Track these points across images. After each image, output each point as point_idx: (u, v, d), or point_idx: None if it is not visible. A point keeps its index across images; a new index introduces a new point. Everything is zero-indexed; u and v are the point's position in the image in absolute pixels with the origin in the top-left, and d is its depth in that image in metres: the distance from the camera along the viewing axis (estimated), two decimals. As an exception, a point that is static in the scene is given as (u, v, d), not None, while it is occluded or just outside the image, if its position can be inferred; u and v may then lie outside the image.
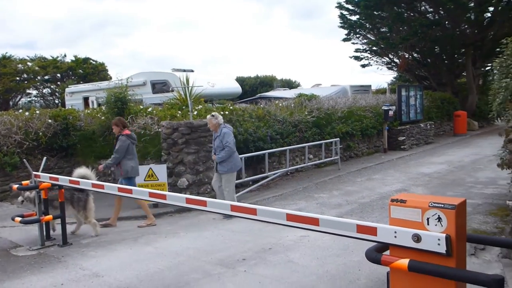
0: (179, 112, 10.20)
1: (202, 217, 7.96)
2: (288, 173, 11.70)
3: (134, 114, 10.64)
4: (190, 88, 10.66)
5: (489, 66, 22.88)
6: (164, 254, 6.01)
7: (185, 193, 8.61)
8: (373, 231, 2.55)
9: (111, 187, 5.04)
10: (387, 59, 25.31)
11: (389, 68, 26.42)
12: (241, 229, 7.04)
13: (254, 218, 3.23)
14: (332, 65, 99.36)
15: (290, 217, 2.97)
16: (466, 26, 22.02)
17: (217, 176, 8.06)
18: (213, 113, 8.03)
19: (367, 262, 4.44)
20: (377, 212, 7.70)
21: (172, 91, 12.42)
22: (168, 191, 8.45)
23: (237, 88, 20.99)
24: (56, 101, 32.57)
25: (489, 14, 21.07)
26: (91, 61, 34.28)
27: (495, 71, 7.49)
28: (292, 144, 11.59)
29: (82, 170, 7.22)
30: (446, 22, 21.68)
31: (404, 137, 16.25)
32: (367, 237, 2.59)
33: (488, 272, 4.21)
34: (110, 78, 29.45)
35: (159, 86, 17.93)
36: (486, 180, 9.97)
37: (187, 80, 10.97)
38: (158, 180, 8.51)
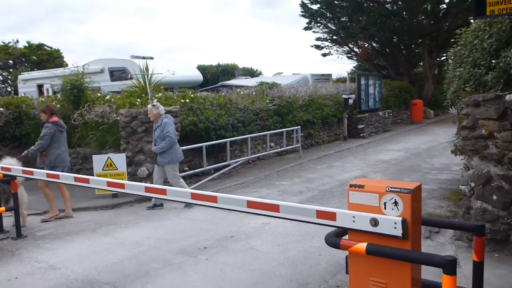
0: (138, 100, 9.98)
1: (163, 206, 7.85)
2: (250, 161, 11.72)
3: (91, 102, 10.33)
4: (149, 75, 10.44)
5: (444, 56, 23.62)
6: (124, 244, 5.89)
7: (145, 183, 8.47)
8: (332, 216, 2.58)
9: (66, 177, 4.88)
10: (347, 48, 25.70)
11: (349, 58, 26.85)
12: (203, 217, 7.00)
13: (215, 206, 3.20)
14: (294, 54, 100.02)
15: (250, 204, 2.96)
16: (422, 17, 22.63)
17: (157, 168, 7.85)
18: (154, 103, 7.87)
19: (328, 248, 4.50)
20: (337, 198, 7.84)
21: (131, 78, 12.14)
22: (128, 181, 8.30)
23: (198, 76, 20.77)
24: (9, 89, 31.12)
25: (444, 6, 21.73)
26: (45, 47, 32.88)
27: (449, 61, 7.71)
28: (253, 132, 11.60)
29: (8, 161, 6.82)
30: (404, 13, 22.20)
31: (363, 125, 16.60)
32: (327, 223, 2.62)
33: (442, 254, 4.37)
34: (66, 65, 28.35)
35: (118, 73, 17.49)
36: (440, 166, 10.34)
37: (147, 68, 10.73)
38: (117, 169, 8.32)
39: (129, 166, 8.78)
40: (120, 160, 8.38)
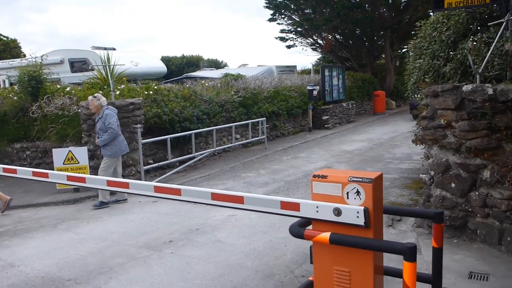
0: (100, 92, 9.72)
1: (127, 200, 7.71)
2: (215, 153, 11.67)
3: (50, 94, 9.99)
4: (111, 67, 10.18)
5: (405, 48, 24.17)
6: (87, 240, 5.76)
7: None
8: (296, 207, 2.58)
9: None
10: (312, 40, 25.87)
11: (313, 49, 27.05)
12: (168, 211, 6.92)
13: (178, 198, 3.15)
14: (259, 45, 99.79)
15: (215, 196, 2.93)
16: (384, 9, 23.04)
17: None
18: (95, 94, 7.69)
19: (293, 238, 4.53)
20: (302, 189, 7.92)
21: (93, 70, 11.79)
22: (90, 175, 8.10)
23: (162, 67, 20.46)
24: (-38, 81, 29.68)
25: (405, -1, 22.19)
26: (1, 37, 31.52)
27: (410, 53, 7.88)
28: (219, 124, 11.53)
29: None
30: (366, 5, 22.53)
31: (328, 116, 16.80)
32: (291, 213, 2.62)
33: (404, 241, 4.49)
34: (24, 56, 27.29)
35: (79, 64, 16.99)
36: (402, 156, 10.60)
37: (108, 59, 10.45)
38: (78, 163, 8.10)
39: (91, 159, 8.56)
40: (81, 153, 8.16)
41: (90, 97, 7.62)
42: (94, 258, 5.11)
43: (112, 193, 7.44)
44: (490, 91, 4.59)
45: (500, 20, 4.97)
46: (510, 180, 4.65)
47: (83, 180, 3.88)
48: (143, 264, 4.86)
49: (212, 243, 5.41)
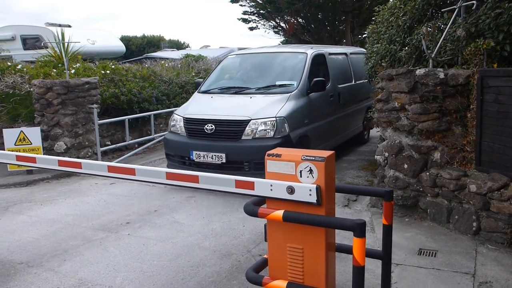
0: (54, 70, 9.37)
1: (83, 182, 7.53)
2: (176, 135, 11.52)
3: (0, 71, 9.52)
4: (66, 44, 9.80)
5: (365, 33, 24.53)
6: (40, 223, 5.60)
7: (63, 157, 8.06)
8: (250, 185, 2.61)
9: None
10: (274, 23, 25.79)
11: (276, 32, 26.97)
12: (126, 193, 6.82)
13: (133, 178, 3.11)
14: (222, 27, 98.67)
15: (170, 175, 2.91)
16: (346, -6, 23.20)
17: None
18: None
19: (251, 219, 4.57)
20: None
21: (46, 47, 11.33)
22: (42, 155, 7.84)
23: (120, 47, 19.95)
24: None
25: (366, -16, 22.42)
26: None
27: (370, 38, 8.00)
28: (179, 105, 11.31)
29: None
30: (329, -11, 22.61)
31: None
32: (246, 192, 2.64)
33: (357, 220, 4.63)
34: (-28, 31, 25.86)
35: (31, 41, 16.30)
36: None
37: (63, 36, 10.06)
38: (31, 144, 7.81)
39: (45, 140, 8.27)
40: (34, 134, 7.86)
41: None
42: (48, 241, 4.98)
43: None
44: (442, 75, 4.74)
45: (453, 7, 5.11)
46: (459, 161, 4.85)
47: (33, 160, 3.76)
48: (99, 246, 4.78)
49: (170, 224, 5.39)
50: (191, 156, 6.58)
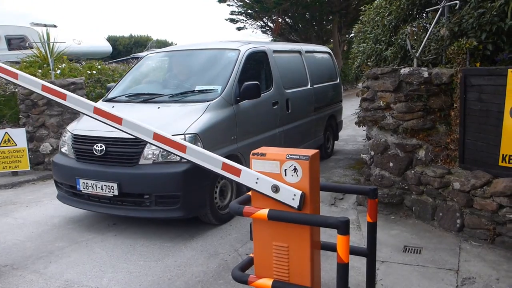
0: (40, 71, 9.28)
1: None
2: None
3: (-16, 72, 9.39)
4: (52, 44, 9.71)
5: (352, 33, 24.69)
6: (25, 225, 5.55)
7: (49, 159, 8.00)
8: (237, 172, 2.62)
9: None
10: (262, 23, 25.86)
11: (263, 32, 27.07)
12: (113, 193, 6.77)
13: (118, 127, 3.02)
14: (210, 26, 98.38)
15: (156, 136, 2.91)
16: (333, -6, 23.34)
17: None
18: None
19: (239, 218, 4.58)
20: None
21: (31, 47, 11.20)
22: (29, 158, 7.78)
23: (107, 47, 19.82)
24: None
25: (353, -16, 22.58)
26: None
27: (357, 37, 8.07)
28: (166, 105, 11.32)
29: None
30: (316, -11, 22.73)
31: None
32: (229, 176, 2.66)
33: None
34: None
35: (16, 42, 16.13)
36: (347, 138, 10.91)
37: (48, 36, 9.95)
38: (16, 145, 7.73)
39: (30, 141, 8.19)
40: (19, 135, 7.78)
41: None
42: (33, 243, 4.93)
43: None
44: (426, 74, 4.80)
45: (437, 7, 5.18)
46: (443, 159, 4.92)
47: (15, 75, 3.19)
48: (85, 248, 4.75)
49: (156, 224, 5.37)
50: (78, 186, 5.06)
